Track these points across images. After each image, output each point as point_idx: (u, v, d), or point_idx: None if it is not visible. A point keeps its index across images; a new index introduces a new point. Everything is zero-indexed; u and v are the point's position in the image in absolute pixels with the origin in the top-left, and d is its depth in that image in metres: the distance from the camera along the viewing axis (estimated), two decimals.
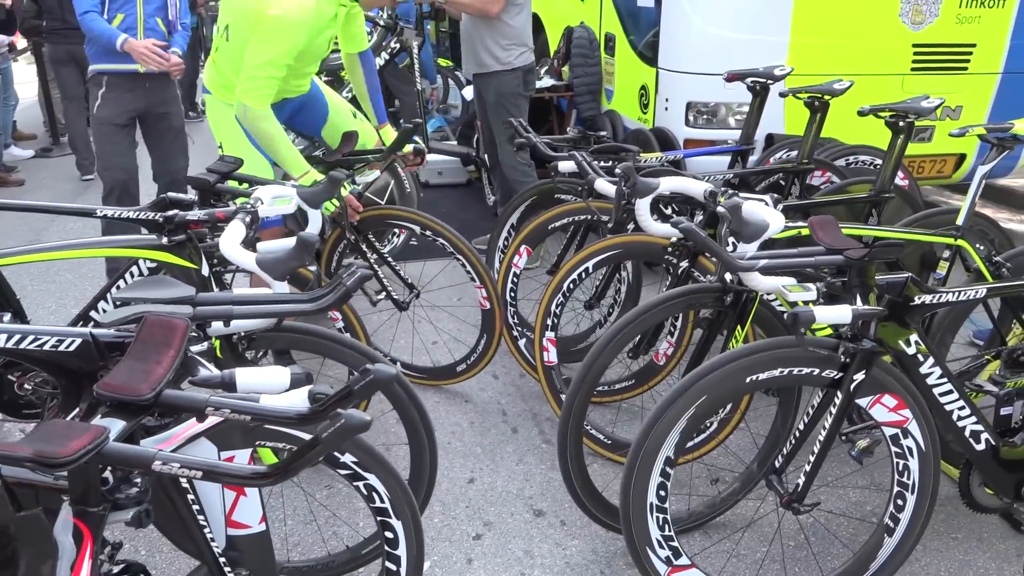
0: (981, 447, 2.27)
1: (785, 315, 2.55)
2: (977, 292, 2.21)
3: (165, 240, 2.34)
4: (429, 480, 2.32)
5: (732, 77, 3.87)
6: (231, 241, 2.00)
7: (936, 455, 2.15)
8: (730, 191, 2.51)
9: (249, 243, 2.09)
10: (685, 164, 4.34)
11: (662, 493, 2.11)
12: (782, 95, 3.80)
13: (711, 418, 2.73)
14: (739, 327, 2.49)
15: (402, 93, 6.36)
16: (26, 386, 2.41)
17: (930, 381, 2.18)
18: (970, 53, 4.66)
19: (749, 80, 3.82)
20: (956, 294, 2.15)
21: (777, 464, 2.21)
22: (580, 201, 3.34)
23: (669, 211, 3.15)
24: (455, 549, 2.57)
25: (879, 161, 3.85)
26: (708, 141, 4.54)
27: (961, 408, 2.23)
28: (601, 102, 5.53)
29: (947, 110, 4.70)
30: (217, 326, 1.93)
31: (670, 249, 2.74)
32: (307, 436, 1.73)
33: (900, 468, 2.17)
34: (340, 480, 2.73)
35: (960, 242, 2.93)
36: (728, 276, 2.41)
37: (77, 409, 1.73)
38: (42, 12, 6.38)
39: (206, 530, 1.64)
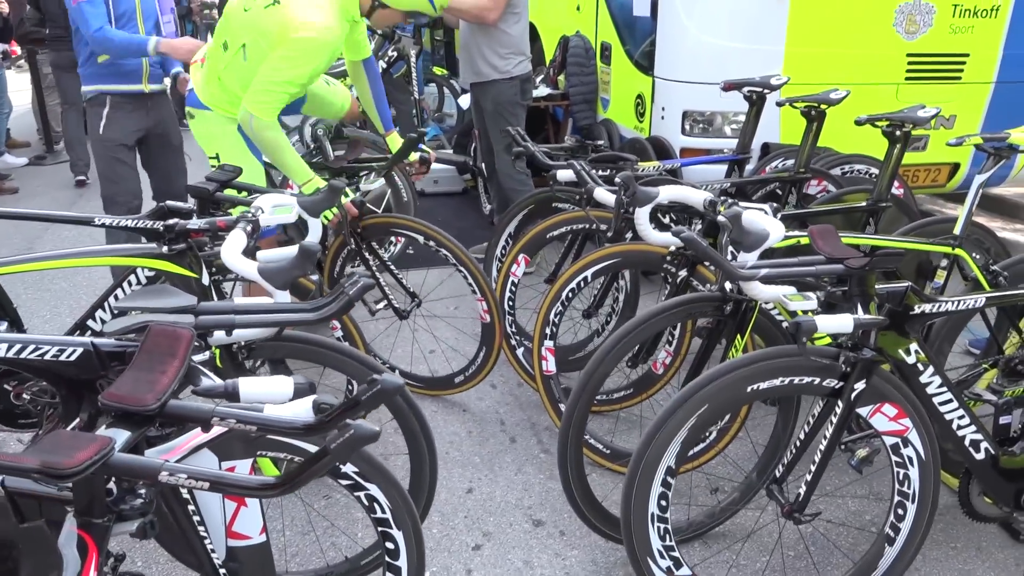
0: (981, 456, 2.28)
1: (786, 324, 2.57)
2: (977, 301, 2.22)
3: (165, 249, 2.34)
4: (429, 490, 2.32)
5: (729, 86, 3.89)
6: (233, 250, 1.99)
7: (936, 464, 2.16)
8: (729, 200, 2.52)
9: (249, 252, 2.09)
10: (682, 173, 4.35)
11: (663, 503, 2.11)
12: (779, 104, 3.81)
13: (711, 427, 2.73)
14: (739, 336, 2.50)
15: (397, 102, 6.36)
16: (24, 395, 2.39)
17: (930, 390, 2.19)
18: (964, 62, 4.70)
19: (745, 89, 3.84)
20: (956, 303, 2.16)
21: (778, 474, 2.22)
22: (578, 210, 3.33)
23: (667, 220, 3.16)
24: (454, 560, 2.56)
25: (875, 170, 3.87)
26: (704, 150, 4.56)
27: (961, 417, 2.23)
28: (597, 111, 5.54)
29: (941, 119, 4.72)
30: (219, 335, 1.92)
31: (668, 258, 2.74)
32: (309, 446, 1.73)
33: (900, 477, 2.17)
34: (339, 490, 2.75)
35: (958, 251, 2.95)
36: (728, 285, 2.41)
37: (78, 419, 1.72)
38: (45, 20, 6.37)
39: (206, 541, 1.63)
